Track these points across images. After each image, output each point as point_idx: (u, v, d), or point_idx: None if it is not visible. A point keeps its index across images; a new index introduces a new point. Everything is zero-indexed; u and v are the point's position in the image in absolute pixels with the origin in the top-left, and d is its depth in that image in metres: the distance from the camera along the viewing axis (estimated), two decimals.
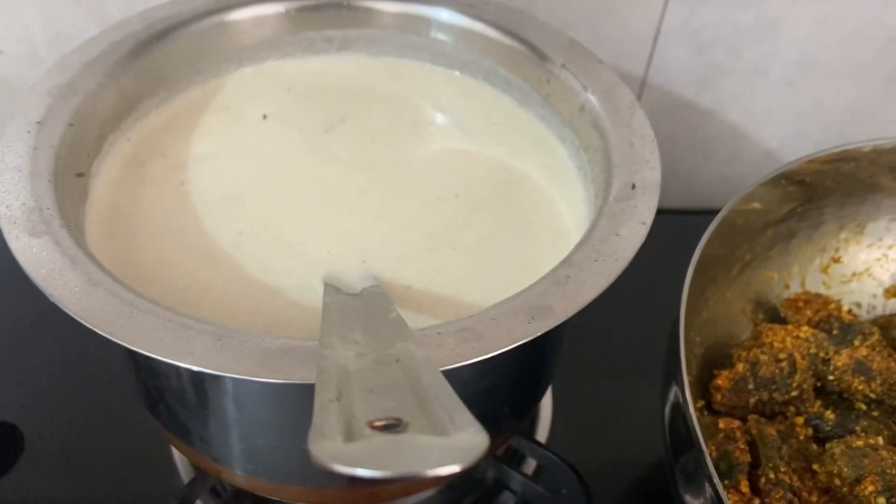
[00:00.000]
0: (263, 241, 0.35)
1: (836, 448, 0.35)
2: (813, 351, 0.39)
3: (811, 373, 0.39)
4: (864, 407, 0.39)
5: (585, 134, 0.38)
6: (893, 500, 0.34)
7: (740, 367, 0.39)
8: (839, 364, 0.39)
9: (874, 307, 0.46)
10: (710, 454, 0.33)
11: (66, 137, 0.34)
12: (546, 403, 0.49)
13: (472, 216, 0.38)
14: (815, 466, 0.36)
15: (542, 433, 0.47)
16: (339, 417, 0.19)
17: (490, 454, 0.42)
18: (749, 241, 0.43)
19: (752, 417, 0.38)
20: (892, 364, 0.39)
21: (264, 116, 0.42)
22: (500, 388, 0.35)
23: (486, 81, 0.44)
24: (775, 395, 0.38)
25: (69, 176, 0.34)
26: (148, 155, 0.39)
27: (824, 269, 0.46)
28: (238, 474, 0.34)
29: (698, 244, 0.37)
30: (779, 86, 0.60)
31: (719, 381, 0.39)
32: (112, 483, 0.45)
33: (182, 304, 0.31)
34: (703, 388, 0.41)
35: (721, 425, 0.37)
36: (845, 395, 0.40)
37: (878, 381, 0.39)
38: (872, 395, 0.39)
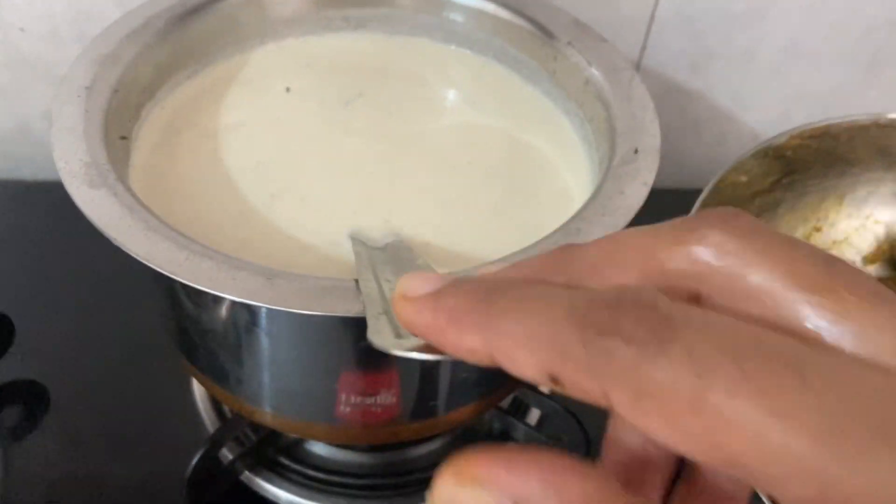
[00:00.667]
0: (293, 202, 0.38)
1: None
2: None
3: None
4: None
5: (590, 106, 0.41)
6: None
7: None
8: None
9: None
10: None
11: (112, 102, 0.36)
12: None
13: (483, 182, 0.41)
14: None
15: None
16: (388, 324, 0.22)
17: (496, 405, 0.45)
18: None
19: None
20: None
21: (287, 89, 0.44)
22: None
23: (495, 59, 0.47)
24: None
25: (114, 138, 0.36)
26: (182, 123, 0.41)
27: (807, 238, 0.49)
28: (271, 414, 0.37)
29: (691, 211, 0.40)
30: (766, 71, 0.64)
31: None
32: (138, 433, 0.48)
33: None
34: None
35: None
36: None
37: None
38: None
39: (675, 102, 0.66)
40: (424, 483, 0.47)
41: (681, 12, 0.60)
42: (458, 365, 0.36)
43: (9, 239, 0.60)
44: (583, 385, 0.15)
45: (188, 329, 0.36)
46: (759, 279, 0.16)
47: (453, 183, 0.41)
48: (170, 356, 0.49)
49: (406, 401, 0.37)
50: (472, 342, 0.17)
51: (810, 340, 0.15)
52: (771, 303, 0.15)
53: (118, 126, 0.37)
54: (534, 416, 0.49)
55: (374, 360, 0.35)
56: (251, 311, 0.32)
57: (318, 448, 0.47)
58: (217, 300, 0.33)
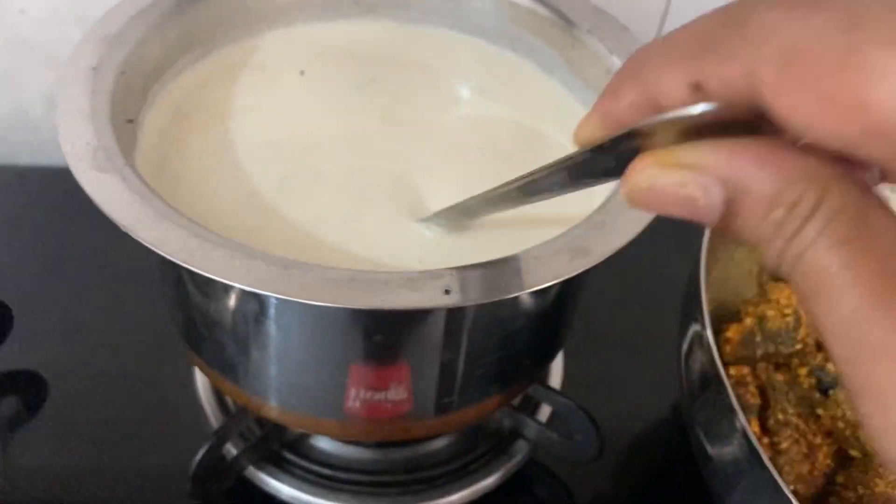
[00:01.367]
0: (305, 185, 0.37)
1: (840, 394, 0.38)
2: None
3: (814, 327, 0.42)
4: None
5: None
6: None
7: (749, 321, 0.42)
8: None
9: None
10: None
11: (119, 84, 0.35)
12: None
13: (499, 168, 0.39)
14: (818, 411, 0.39)
15: (555, 381, 0.49)
16: None
17: (508, 402, 0.44)
18: None
19: (760, 364, 0.40)
20: None
21: (301, 73, 0.43)
22: (527, 333, 0.37)
23: (509, 48, 0.46)
24: (781, 347, 0.41)
25: (121, 121, 0.35)
26: (190, 107, 0.40)
27: None
28: (280, 409, 0.36)
29: None
30: None
31: (729, 334, 0.42)
32: (138, 425, 0.47)
33: None
34: None
35: (732, 372, 0.39)
36: None
37: None
38: None
39: None
40: (431, 481, 0.46)
41: (696, 5, 0.59)
42: (472, 359, 0.35)
43: (7, 225, 0.58)
44: (726, 72, 0.14)
45: (196, 321, 0.35)
46: None
47: (469, 170, 0.40)
48: (171, 346, 0.47)
49: (419, 397, 0.36)
50: (628, 96, 0.17)
51: None
52: None
53: (125, 109, 0.35)
54: (544, 412, 0.48)
55: (386, 354, 0.34)
56: (263, 301, 0.31)
57: (323, 443, 0.46)
58: (228, 290, 0.32)
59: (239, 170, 0.37)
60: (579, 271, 0.29)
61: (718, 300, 0.44)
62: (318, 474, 0.45)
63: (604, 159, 0.19)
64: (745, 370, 0.40)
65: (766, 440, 0.37)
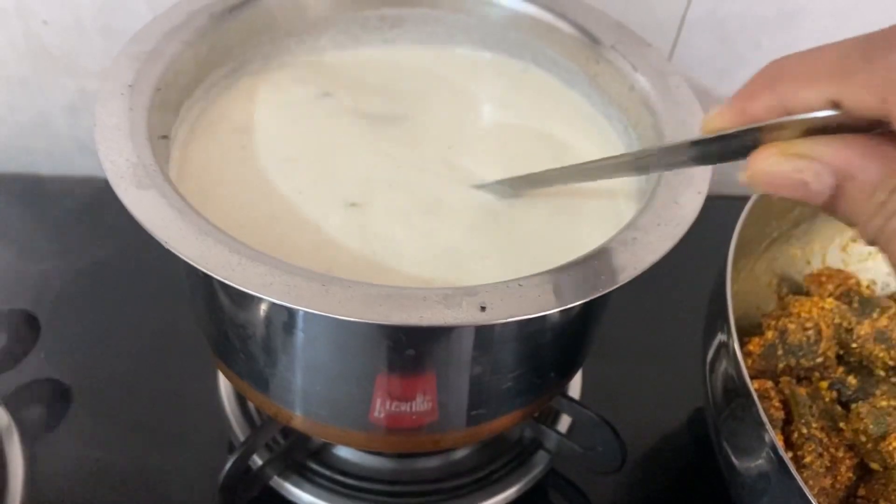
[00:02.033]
0: (333, 199, 0.37)
1: (862, 408, 0.38)
2: (837, 321, 0.42)
3: (835, 341, 0.42)
4: (882, 373, 0.42)
5: (634, 112, 0.40)
6: None
7: (770, 334, 0.42)
8: (861, 333, 0.42)
9: (888, 284, 0.49)
10: None
11: (155, 101, 0.36)
12: None
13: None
14: (841, 425, 0.39)
15: (575, 392, 0.50)
16: None
17: (532, 415, 0.44)
18: (777, 218, 0.45)
19: (784, 378, 0.41)
20: None
21: (322, 91, 0.44)
22: (554, 346, 0.37)
23: (532, 62, 0.46)
24: (802, 360, 0.41)
25: (155, 137, 0.36)
26: (218, 123, 0.40)
27: (843, 248, 0.49)
28: (306, 419, 0.37)
29: (740, 216, 0.39)
30: None
31: (751, 347, 0.42)
32: (162, 435, 0.47)
33: None
34: None
35: (756, 385, 0.40)
36: (865, 363, 0.43)
37: None
38: (891, 363, 0.42)
39: (703, 108, 0.65)
40: (452, 491, 0.46)
41: (713, 15, 0.60)
42: (499, 372, 0.35)
43: (29, 234, 0.59)
44: (863, 99, 0.18)
45: (228, 333, 0.36)
46: None
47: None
48: (194, 356, 0.48)
49: (445, 408, 0.36)
50: (765, 100, 0.20)
51: None
52: None
53: (160, 125, 0.36)
54: (564, 423, 0.48)
55: (416, 367, 0.34)
56: (296, 315, 0.32)
57: (347, 454, 0.46)
58: (262, 303, 0.32)
59: (267, 185, 0.38)
60: (611, 289, 0.30)
61: (739, 313, 0.45)
62: (342, 484, 0.45)
63: (724, 146, 0.23)
64: (769, 384, 0.40)
65: (789, 454, 0.37)
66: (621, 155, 0.32)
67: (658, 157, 0.29)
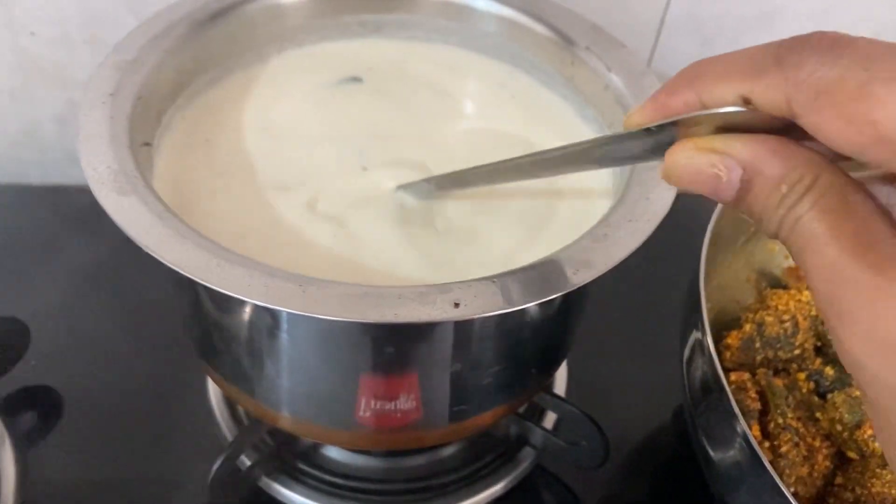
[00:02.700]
0: (313, 202, 0.38)
1: (837, 397, 0.39)
2: (814, 313, 0.43)
3: (812, 333, 0.43)
4: None
5: (609, 111, 0.41)
6: None
7: (748, 327, 0.43)
8: None
9: None
10: None
11: (136, 109, 0.36)
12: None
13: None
14: (818, 415, 0.40)
15: (560, 388, 0.50)
16: None
17: (515, 410, 0.45)
18: None
19: (760, 370, 0.41)
20: None
21: (306, 94, 0.45)
22: (533, 342, 0.38)
23: (511, 64, 0.47)
24: (780, 352, 0.42)
25: (137, 145, 0.36)
26: (202, 129, 0.41)
27: None
28: (292, 420, 0.37)
29: (713, 214, 0.40)
30: None
31: (729, 340, 0.43)
32: (152, 439, 0.48)
33: None
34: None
35: (733, 377, 0.41)
36: None
37: None
38: None
39: None
40: (440, 488, 0.47)
41: (692, 16, 0.60)
42: (479, 368, 0.36)
43: (18, 244, 0.59)
44: (771, 97, 0.19)
45: (213, 336, 0.36)
46: None
47: None
48: (184, 361, 0.49)
49: (428, 406, 0.37)
50: (683, 96, 0.21)
51: None
52: None
53: (142, 132, 0.36)
54: (550, 419, 0.49)
55: (397, 365, 0.35)
56: (278, 316, 0.33)
57: (335, 453, 0.47)
58: (244, 305, 0.33)
59: (252, 189, 0.38)
60: (583, 283, 0.30)
61: (718, 307, 0.46)
62: (330, 483, 0.46)
63: (644, 141, 0.23)
64: (746, 376, 0.41)
65: (766, 444, 0.38)
66: (538, 153, 0.31)
67: (575, 155, 0.28)
